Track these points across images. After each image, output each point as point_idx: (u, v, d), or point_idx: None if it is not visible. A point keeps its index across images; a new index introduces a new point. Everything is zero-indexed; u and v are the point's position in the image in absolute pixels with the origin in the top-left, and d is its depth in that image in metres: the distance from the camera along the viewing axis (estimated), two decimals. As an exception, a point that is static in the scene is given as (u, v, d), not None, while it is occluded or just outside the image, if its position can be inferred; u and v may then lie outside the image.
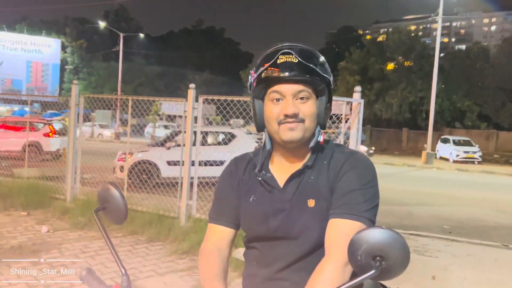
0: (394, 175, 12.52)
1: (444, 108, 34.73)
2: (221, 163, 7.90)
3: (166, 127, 26.29)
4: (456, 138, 26.03)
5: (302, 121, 1.23)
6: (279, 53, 1.22)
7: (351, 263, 0.94)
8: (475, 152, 23.70)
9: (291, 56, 1.21)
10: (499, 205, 10.21)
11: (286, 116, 1.22)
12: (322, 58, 1.27)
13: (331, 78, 1.29)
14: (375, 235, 0.89)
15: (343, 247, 1.08)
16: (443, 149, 25.46)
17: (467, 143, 24.83)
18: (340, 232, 1.16)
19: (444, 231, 6.99)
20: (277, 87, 1.23)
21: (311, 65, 1.22)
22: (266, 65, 1.23)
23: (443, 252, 5.64)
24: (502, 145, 32.34)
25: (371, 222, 1.19)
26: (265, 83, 1.25)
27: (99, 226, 1.19)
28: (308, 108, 1.23)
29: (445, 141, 25.80)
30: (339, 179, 1.23)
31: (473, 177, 17.47)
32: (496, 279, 4.70)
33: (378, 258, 0.89)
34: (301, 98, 1.23)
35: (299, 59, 1.21)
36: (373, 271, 0.88)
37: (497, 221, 8.33)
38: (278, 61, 1.21)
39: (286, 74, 1.21)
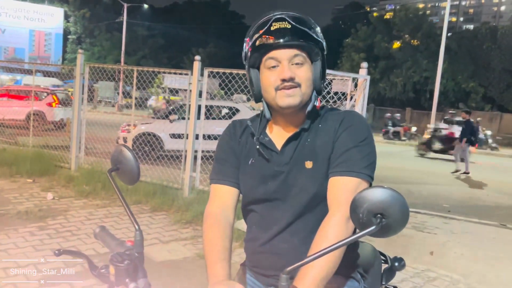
0: (395, 154, 12.57)
1: (448, 88, 34.47)
2: (220, 136, 7.91)
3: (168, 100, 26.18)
4: (460, 119, 25.90)
5: (299, 85, 1.26)
6: (272, 20, 1.25)
7: (353, 220, 0.97)
8: (477, 134, 23.63)
9: (284, 22, 1.23)
10: (499, 186, 10.29)
11: (283, 80, 1.24)
12: (314, 24, 1.30)
13: (324, 43, 1.31)
14: (377, 194, 0.92)
15: (344, 203, 1.15)
16: (446, 129, 25.36)
17: (470, 124, 24.71)
18: (340, 189, 1.21)
19: (443, 209, 7.07)
20: (272, 54, 1.25)
21: (305, 29, 1.25)
22: (261, 31, 1.25)
23: (441, 229, 5.72)
24: (505, 127, 32.15)
25: (370, 178, 1.24)
26: (260, 51, 1.27)
27: (113, 185, 1.22)
28: (304, 72, 1.26)
29: (448, 122, 25.69)
30: (337, 139, 1.27)
31: (475, 158, 17.49)
32: (492, 256, 4.79)
33: (379, 215, 0.92)
34: (297, 64, 1.25)
35: (293, 23, 1.23)
36: (373, 227, 0.92)
37: (496, 202, 8.41)
38: (272, 28, 1.24)
39: (281, 40, 1.23)
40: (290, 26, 1.23)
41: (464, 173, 11.46)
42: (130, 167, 1.27)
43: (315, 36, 1.27)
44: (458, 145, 11.68)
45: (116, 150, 1.31)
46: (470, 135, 11.32)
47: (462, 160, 11.64)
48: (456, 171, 11.56)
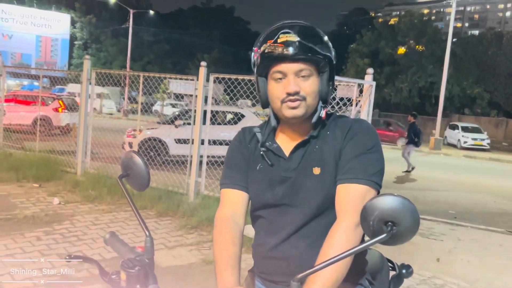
0: (401, 159, 12.57)
1: (454, 94, 34.36)
2: (230, 142, 7.93)
3: (173, 105, 26.27)
4: (465, 124, 25.82)
5: (304, 98, 1.27)
6: (280, 32, 1.25)
7: (363, 228, 0.97)
8: (483, 140, 23.55)
9: (291, 35, 1.24)
10: (505, 192, 10.21)
11: (288, 94, 1.25)
12: (322, 35, 1.30)
13: (333, 54, 1.31)
14: (388, 202, 0.93)
15: (352, 210, 1.17)
16: (451, 135, 25.31)
17: (475, 130, 24.63)
18: (348, 196, 1.22)
19: (450, 215, 7.03)
20: (278, 66, 1.26)
21: (311, 45, 1.25)
22: (269, 42, 1.26)
23: (448, 235, 5.69)
24: (511, 133, 32.06)
25: (377, 186, 1.24)
26: (267, 62, 1.28)
27: (123, 191, 1.23)
28: (310, 85, 1.27)
29: (454, 127, 25.62)
30: (345, 146, 1.28)
31: (480, 164, 17.41)
32: (499, 263, 4.76)
33: (389, 223, 0.92)
34: (303, 76, 1.26)
35: (299, 38, 1.24)
36: (384, 235, 0.92)
37: (502, 208, 8.35)
38: (279, 40, 1.25)
39: (286, 53, 1.23)
40: (296, 39, 1.24)
41: (407, 171, 11.83)
42: (140, 174, 1.28)
43: (322, 52, 1.27)
44: (405, 146, 12.10)
45: (127, 156, 1.32)
46: (415, 136, 11.58)
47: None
48: (407, 170, 11.89)
